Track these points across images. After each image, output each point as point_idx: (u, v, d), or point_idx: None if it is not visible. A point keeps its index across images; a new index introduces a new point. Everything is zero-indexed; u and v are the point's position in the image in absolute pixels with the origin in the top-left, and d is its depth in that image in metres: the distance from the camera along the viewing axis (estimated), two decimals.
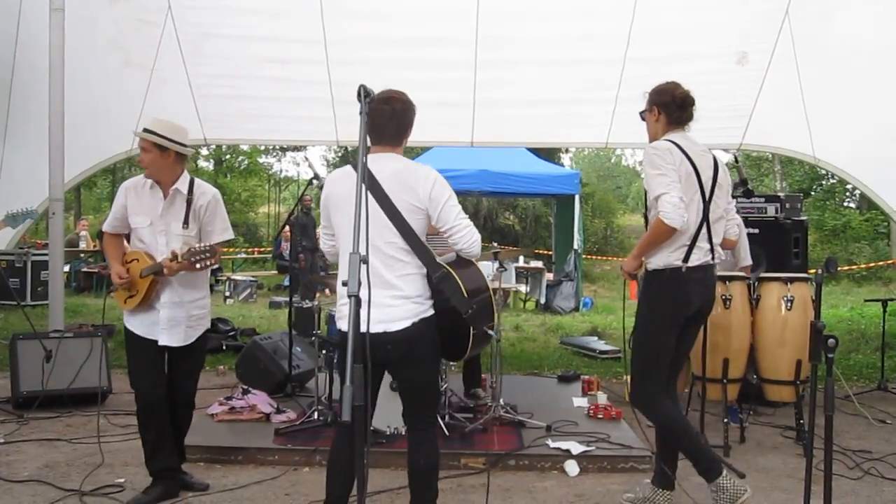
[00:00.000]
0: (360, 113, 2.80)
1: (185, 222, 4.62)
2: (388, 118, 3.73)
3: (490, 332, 4.33)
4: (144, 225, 4.65)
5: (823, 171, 24.49)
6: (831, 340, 3.23)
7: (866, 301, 9.56)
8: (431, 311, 3.73)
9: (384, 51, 8.60)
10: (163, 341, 4.62)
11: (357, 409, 2.34)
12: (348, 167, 3.82)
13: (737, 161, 6.34)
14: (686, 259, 4.28)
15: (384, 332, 3.55)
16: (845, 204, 28.49)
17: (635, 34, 8.55)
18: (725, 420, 5.81)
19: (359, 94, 2.82)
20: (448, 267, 3.77)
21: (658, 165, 4.22)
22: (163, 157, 4.61)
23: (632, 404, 4.68)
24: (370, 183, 3.57)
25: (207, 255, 4.39)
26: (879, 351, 8.58)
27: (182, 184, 4.66)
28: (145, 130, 4.58)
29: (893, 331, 8.69)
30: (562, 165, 26.98)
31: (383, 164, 3.69)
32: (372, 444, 2.84)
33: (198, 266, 4.39)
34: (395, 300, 3.61)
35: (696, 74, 8.79)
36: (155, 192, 4.65)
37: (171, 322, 4.63)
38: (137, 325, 4.68)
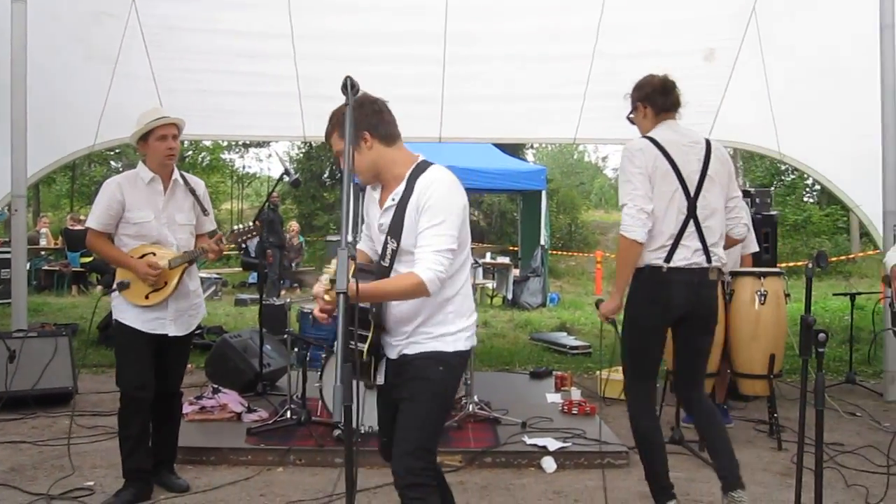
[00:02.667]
0: (347, 105, 2.72)
1: (204, 210, 4.76)
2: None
3: None
4: (148, 219, 4.59)
5: (784, 167, 24.85)
6: (822, 335, 3.22)
7: (834, 295, 9.68)
8: None
9: (351, 45, 8.52)
10: (172, 332, 4.63)
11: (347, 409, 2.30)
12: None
13: None
14: (668, 258, 4.06)
15: None
16: (805, 199, 28.86)
17: (603, 30, 8.55)
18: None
19: (344, 86, 2.74)
20: None
21: (625, 170, 4.09)
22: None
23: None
24: None
25: (253, 231, 4.45)
26: (846, 344, 8.69)
27: (177, 175, 4.71)
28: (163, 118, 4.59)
29: (859, 324, 8.78)
30: (526, 161, 26.99)
31: None
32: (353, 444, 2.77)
33: (244, 246, 4.44)
34: None
35: (663, 71, 8.75)
36: (154, 186, 4.63)
37: (178, 312, 4.65)
38: (141, 320, 4.58)
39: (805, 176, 18.72)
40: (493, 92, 9.19)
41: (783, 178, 28.44)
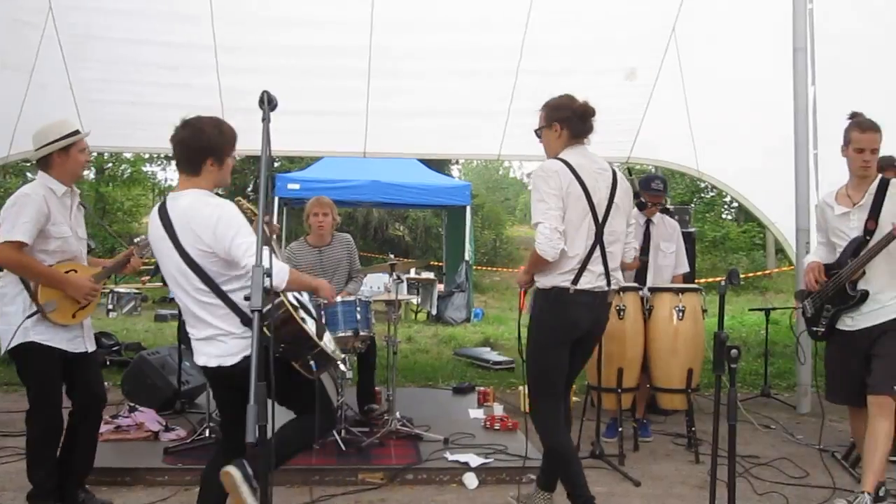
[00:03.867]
0: (263, 120, 2.70)
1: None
2: (176, 146, 3.73)
3: (311, 361, 3.73)
4: (68, 234, 4.43)
5: (703, 185, 25.32)
6: (734, 351, 3.29)
7: (750, 310, 9.89)
8: None
9: (276, 58, 8.43)
10: (90, 348, 4.54)
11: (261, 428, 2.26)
12: (156, 207, 3.72)
13: (630, 174, 6.47)
14: (575, 281, 4.17)
15: (219, 366, 3.54)
16: (723, 216, 29.48)
17: (528, 47, 8.62)
18: (620, 429, 5.90)
19: (261, 101, 2.73)
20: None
21: (539, 189, 4.13)
22: None
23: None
24: (169, 228, 3.55)
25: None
26: (761, 358, 8.89)
27: (74, 188, 4.59)
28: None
29: (774, 338, 9.00)
30: (451, 176, 27.10)
31: (176, 203, 3.62)
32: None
33: (143, 258, 4.37)
34: (223, 336, 3.54)
35: (586, 89, 8.84)
36: (65, 200, 4.47)
37: (88, 329, 4.56)
38: (65, 339, 4.41)
39: (723, 193, 19.18)
40: (418, 107, 9.18)
41: (703, 195, 29.00)
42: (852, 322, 4.81)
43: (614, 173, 4.35)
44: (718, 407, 3.61)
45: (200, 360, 3.64)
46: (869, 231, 4.71)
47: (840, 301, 4.82)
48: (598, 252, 4.21)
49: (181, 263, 3.53)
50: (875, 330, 4.71)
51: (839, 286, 4.79)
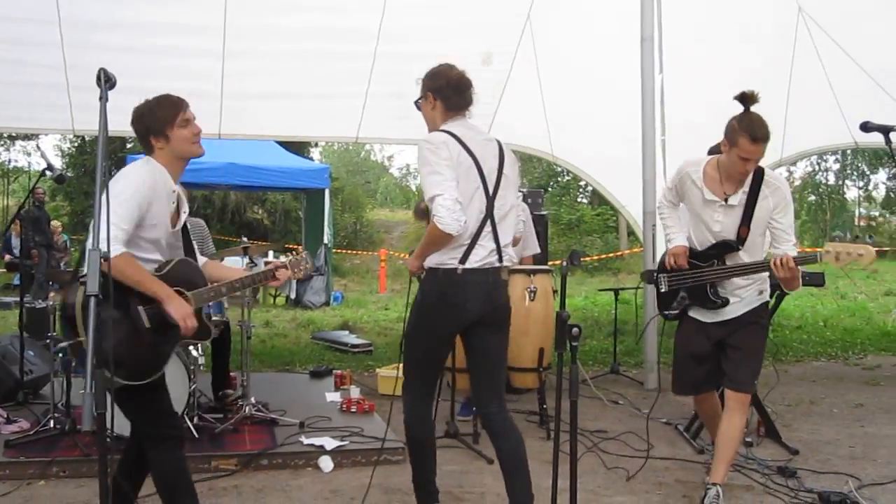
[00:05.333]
0: (101, 99, 2.61)
1: None
2: None
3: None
4: None
5: (559, 169, 25.98)
6: (575, 329, 3.40)
7: (599, 290, 10.22)
8: None
9: (125, 35, 8.12)
10: None
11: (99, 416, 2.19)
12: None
13: None
14: (464, 260, 3.85)
15: None
16: (579, 200, 30.34)
17: (385, 30, 8.60)
18: (475, 408, 5.99)
19: (98, 79, 2.63)
20: None
21: (430, 162, 3.77)
22: None
23: None
24: None
25: None
26: (612, 336, 9.19)
27: None
28: None
29: (624, 317, 9.33)
30: (311, 159, 26.84)
31: None
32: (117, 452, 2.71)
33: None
34: None
35: None
36: None
37: None
38: None
39: (578, 178, 19.74)
40: (273, 89, 9.01)
41: (559, 179, 29.79)
42: (711, 315, 4.63)
43: (499, 143, 4.08)
44: (561, 384, 3.72)
45: None
46: (741, 239, 4.46)
47: (698, 299, 4.65)
48: (488, 227, 3.91)
49: None
50: (732, 322, 4.57)
51: (699, 284, 4.63)
